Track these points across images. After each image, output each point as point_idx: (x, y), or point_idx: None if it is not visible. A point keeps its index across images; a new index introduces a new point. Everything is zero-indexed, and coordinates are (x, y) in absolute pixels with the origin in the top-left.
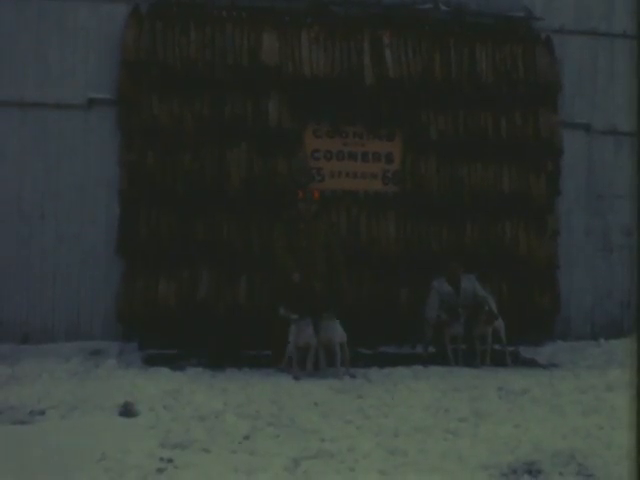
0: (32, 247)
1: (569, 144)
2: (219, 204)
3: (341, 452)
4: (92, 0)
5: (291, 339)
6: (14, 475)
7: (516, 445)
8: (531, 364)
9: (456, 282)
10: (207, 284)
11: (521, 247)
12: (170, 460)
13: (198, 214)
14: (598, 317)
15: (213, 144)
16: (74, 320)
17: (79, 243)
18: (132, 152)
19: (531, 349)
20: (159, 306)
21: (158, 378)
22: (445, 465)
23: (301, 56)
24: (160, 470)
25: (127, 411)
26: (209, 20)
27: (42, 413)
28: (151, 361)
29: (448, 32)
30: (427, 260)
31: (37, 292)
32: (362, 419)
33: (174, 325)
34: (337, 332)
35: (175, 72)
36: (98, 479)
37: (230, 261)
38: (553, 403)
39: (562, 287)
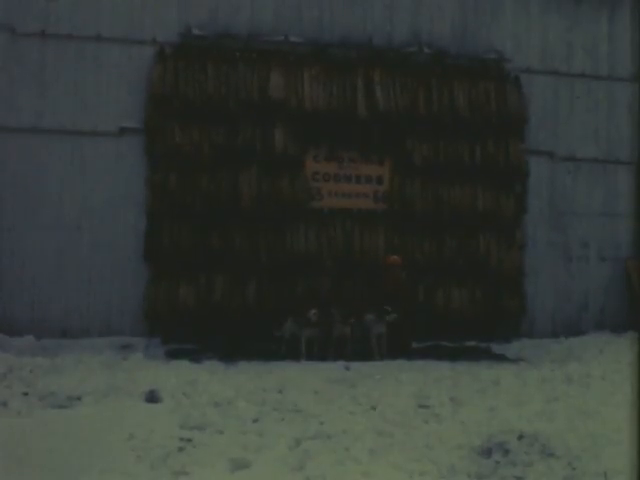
0: (70, 254)
1: (534, 169)
2: (232, 218)
3: (337, 434)
4: (123, 42)
5: None
6: (56, 451)
7: (488, 428)
8: (501, 358)
9: None
10: (221, 288)
11: (492, 257)
12: (189, 440)
13: (213, 227)
14: (559, 318)
15: (227, 167)
16: (106, 318)
17: (111, 251)
18: (157, 174)
19: (501, 346)
20: (180, 306)
21: (178, 369)
22: (427, 445)
23: (303, 92)
24: (180, 449)
25: (152, 397)
26: (224, 60)
27: (79, 398)
28: (172, 354)
29: (430, 72)
30: (412, 268)
31: (75, 293)
32: (355, 405)
33: (193, 323)
34: None
35: (195, 105)
36: (127, 456)
37: (241, 268)
38: (520, 391)
39: (528, 292)
